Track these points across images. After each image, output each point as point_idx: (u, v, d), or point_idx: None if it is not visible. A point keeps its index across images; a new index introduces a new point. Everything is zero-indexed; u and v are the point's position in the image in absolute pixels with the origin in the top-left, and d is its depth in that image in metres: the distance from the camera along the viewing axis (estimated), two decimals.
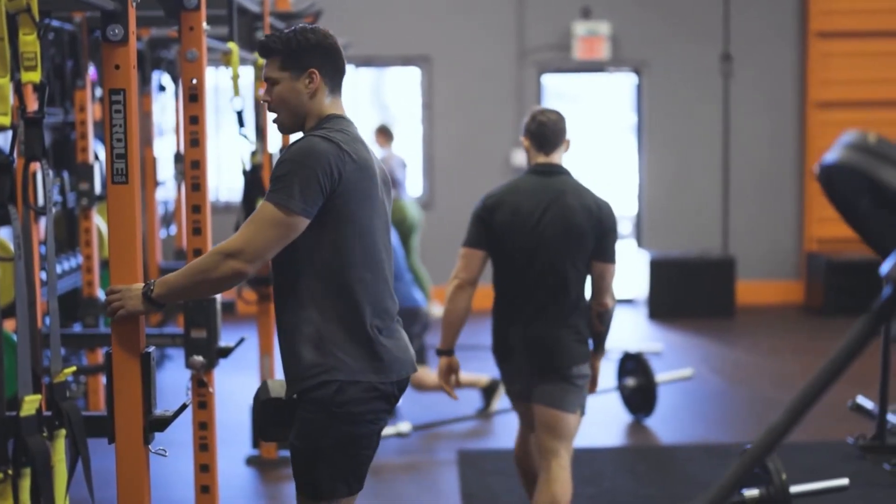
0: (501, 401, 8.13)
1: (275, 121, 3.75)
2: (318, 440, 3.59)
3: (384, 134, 11.24)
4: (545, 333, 4.92)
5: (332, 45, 3.68)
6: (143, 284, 3.60)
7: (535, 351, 4.94)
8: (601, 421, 7.91)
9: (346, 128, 3.66)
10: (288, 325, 3.62)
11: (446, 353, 5.07)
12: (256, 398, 3.73)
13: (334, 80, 3.72)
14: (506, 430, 7.68)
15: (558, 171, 5.02)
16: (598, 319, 5.00)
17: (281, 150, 6.23)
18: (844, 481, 5.63)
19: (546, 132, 5.02)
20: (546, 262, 4.90)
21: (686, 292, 11.72)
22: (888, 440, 6.95)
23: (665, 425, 7.74)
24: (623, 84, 13.32)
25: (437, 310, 11.01)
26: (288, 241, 3.49)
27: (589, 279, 4.99)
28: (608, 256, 4.93)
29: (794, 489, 5.41)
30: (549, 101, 13.01)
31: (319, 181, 3.47)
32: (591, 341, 5.04)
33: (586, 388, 5.01)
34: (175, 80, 8.63)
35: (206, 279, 3.50)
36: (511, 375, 5.09)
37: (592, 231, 4.89)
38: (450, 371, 5.07)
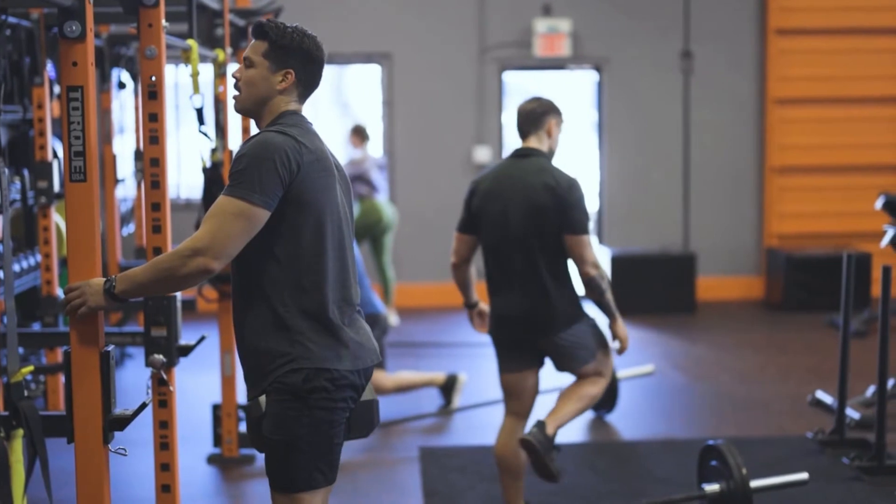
0: (463, 397, 8.14)
1: (234, 97, 3.75)
2: (291, 429, 3.58)
3: (359, 134, 11.20)
4: (528, 307, 5.33)
5: (318, 58, 3.74)
6: (104, 280, 3.58)
7: (524, 325, 5.36)
8: None
9: (301, 123, 3.68)
10: (251, 322, 3.61)
11: (470, 306, 5.71)
12: (250, 415, 3.69)
13: (305, 90, 3.75)
14: (467, 427, 7.69)
15: (531, 154, 5.41)
16: (587, 289, 5.31)
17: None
18: (804, 475, 5.67)
19: (519, 120, 5.46)
20: (516, 240, 5.30)
21: (647, 288, 11.76)
22: (847, 435, 7.01)
23: (626, 421, 7.76)
24: (584, 81, 13.35)
25: (394, 319, 11.01)
26: (251, 235, 3.49)
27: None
28: (574, 228, 5.23)
29: (755, 483, 5.45)
30: (511, 99, 13.02)
31: (278, 173, 3.48)
32: (580, 309, 5.44)
33: (594, 332, 5.44)
34: (134, 77, 8.58)
35: (171, 276, 3.49)
36: (503, 346, 5.49)
37: (554, 207, 5.23)
38: (478, 316, 5.71)
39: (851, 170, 12.58)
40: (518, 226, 5.30)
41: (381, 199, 10.58)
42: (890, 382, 7.62)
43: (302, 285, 3.58)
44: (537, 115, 5.44)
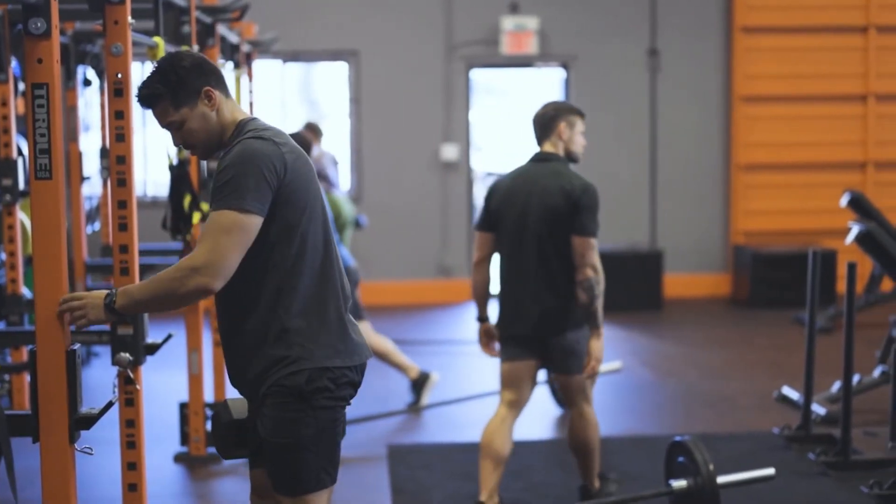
0: (432, 395, 8.14)
1: (194, 153, 3.73)
2: (296, 432, 3.57)
3: (312, 131, 11.17)
4: (542, 306, 5.51)
5: (201, 58, 3.66)
6: (104, 293, 3.55)
7: (534, 320, 5.53)
8: (531, 414, 7.93)
9: (266, 125, 3.66)
10: (248, 329, 3.57)
11: (481, 321, 5.83)
12: (217, 419, 3.66)
13: (223, 86, 3.69)
14: (436, 425, 7.69)
15: (548, 158, 5.64)
16: (580, 290, 5.44)
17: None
18: (770, 471, 5.69)
19: (534, 126, 5.73)
20: (531, 239, 5.51)
21: (614, 285, 11.69)
22: (813, 430, 7.05)
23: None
24: (551, 78, 13.38)
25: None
26: (248, 246, 3.47)
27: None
28: (582, 230, 5.41)
29: (721, 479, 5.47)
30: (478, 97, 13.04)
31: (266, 178, 3.47)
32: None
33: (586, 348, 5.52)
34: (100, 74, 8.52)
35: (170, 295, 3.47)
36: (514, 343, 5.67)
37: (568, 210, 5.44)
38: (487, 335, 5.83)
39: (817, 167, 12.66)
40: (534, 228, 5.51)
41: (339, 194, 10.55)
42: (855, 378, 7.67)
43: (298, 286, 3.57)
44: (548, 120, 5.67)
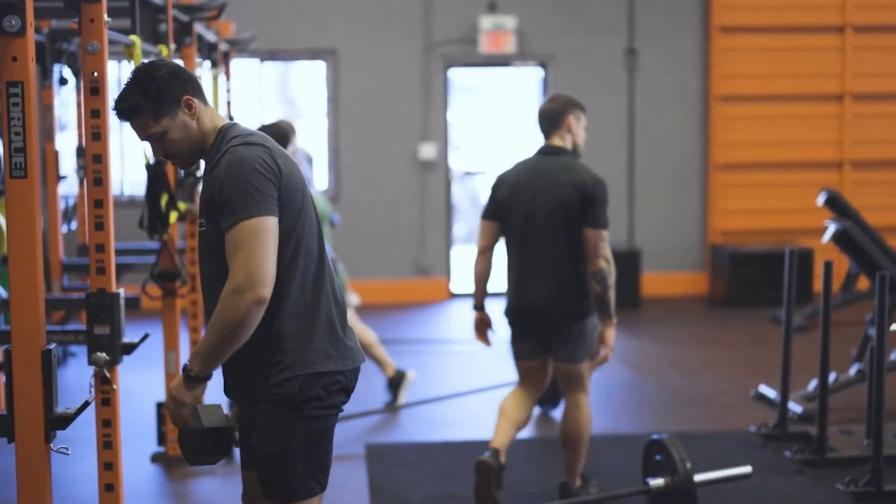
0: (409, 394, 8.13)
1: (175, 163, 3.70)
2: (287, 441, 3.56)
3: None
4: (548, 296, 5.65)
5: (177, 66, 3.62)
6: (181, 375, 3.51)
7: (541, 310, 5.67)
8: None
9: (251, 130, 3.63)
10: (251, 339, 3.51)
11: (478, 309, 5.98)
12: (201, 423, 3.60)
13: (201, 94, 3.65)
14: (414, 424, 7.69)
15: (556, 152, 5.74)
16: (592, 280, 5.59)
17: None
18: (747, 469, 5.72)
19: (542, 119, 5.79)
20: (541, 231, 5.64)
21: None
22: (789, 428, 7.08)
23: None
24: (529, 78, 13.39)
25: (353, 299, 10.97)
26: (276, 245, 3.43)
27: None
28: (593, 222, 5.56)
29: (699, 477, 5.48)
30: (456, 96, 13.03)
31: (268, 178, 3.45)
32: (592, 305, 5.69)
33: (592, 338, 5.70)
34: (76, 73, 8.50)
35: (232, 327, 3.40)
36: (520, 335, 5.83)
37: (580, 203, 5.57)
38: (482, 324, 5.99)
39: (794, 166, 12.70)
40: (545, 220, 5.63)
41: (314, 191, 10.52)
42: (832, 376, 7.70)
43: (291, 290, 3.54)
44: (556, 114, 5.74)
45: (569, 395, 5.84)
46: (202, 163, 3.72)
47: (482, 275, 5.91)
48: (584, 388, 5.83)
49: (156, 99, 3.52)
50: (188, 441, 3.62)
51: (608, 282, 5.57)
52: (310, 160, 11.20)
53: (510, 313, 5.84)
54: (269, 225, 3.42)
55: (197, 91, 3.61)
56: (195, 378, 3.48)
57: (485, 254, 5.87)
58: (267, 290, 3.39)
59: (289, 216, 3.51)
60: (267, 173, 3.44)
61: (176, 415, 3.56)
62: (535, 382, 5.92)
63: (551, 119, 5.77)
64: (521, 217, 5.69)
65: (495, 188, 5.84)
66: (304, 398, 3.54)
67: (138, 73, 3.56)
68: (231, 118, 9.26)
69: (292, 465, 3.58)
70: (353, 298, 8.37)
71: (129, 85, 3.55)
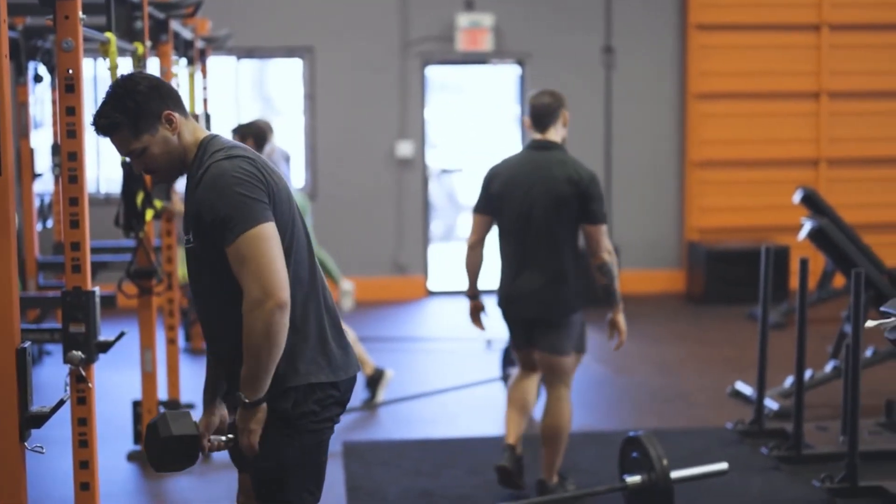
0: (387, 391, 8.13)
1: (156, 178, 3.64)
2: (282, 455, 3.53)
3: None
4: (541, 287, 5.75)
5: (157, 80, 3.55)
6: (239, 406, 3.48)
7: (533, 303, 5.77)
8: (485, 411, 7.95)
9: (233, 142, 3.57)
10: (237, 347, 3.46)
11: (472, 297, 6.09)
12: (155, 432, 3.56)
13: (181, 107, 3.56)
14: (392, 422, 7.69)
15: (550, 147, 5.84)
16: (598, 273, 5.75)
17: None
18: (724, 466, 5.73)
19: (537, 113, 5.85)
20: (536, 225, 5.72)
21: None
22: (766, 425, 7.10)
23: None
24: (506, 75, 13.39)
25: (347, 284, 10.95)
26: (281, 249, 3.38)
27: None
28: (595, 219, 5.69)
29: (675, 474, 5.50)
30: (433, 93, 13.03)
31: (257, 186, 3.39)
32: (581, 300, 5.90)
33: (581, 330, 5.90)
34: (51, 70, 8.46)
35: (265, 340, 3.34)
36: (513, 324, 5.95)
37: (576, 198, 5.68)
38: (476, 310, 6.10)
39: (770, 164, 12.74)
40: (541, 214, 5.72)
41: (292, 189, 10.56)
42: (808, 373, 7.73)
43: (293, 299, 3.47)
44: (553, 109, 5.84)
45: (551, 389, 5.90)
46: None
47: (474, 267, 6.01)
48: (567, 383, 5.90)
49: (135, 115, 3.45)
50: (156, 448, 3.56)
51: (613, 272, 5.74)
52: (287, 159, 11.17)
53: (503, 304, 5.93)
54: (270, 231, 3.37)
55: (177, 105, 3.54)
56: (252, 404, 3.43)
57: (476, 248, 5.97)
58: (285, 294, 3.34)
59: (279, 228, 3.44)
60: (253, 180, 3.39)
61: (245, 445, 3.50)
62: (535, 367, 6.05)
63: (549, 114, 5.85)
64: (516, 211, 5.77)
65: (488, 182, 5.90)
66: (299, 413, 3.51)
67: (116, 88, 3.48)
68: (208, 116, 9.25)
69: (286, 479, 3.56)
70: (346, 284, 8.33)
71: (107, 100, 3.48)
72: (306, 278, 3.55)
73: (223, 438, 3.65)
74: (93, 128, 3.52)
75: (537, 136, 5.89)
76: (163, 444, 3.55)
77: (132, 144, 3.49)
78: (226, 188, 3.37)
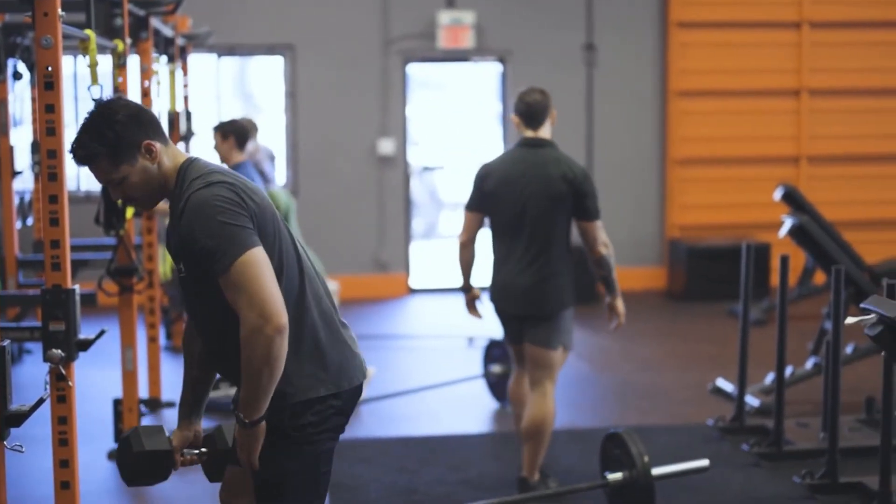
0: (369, 389, 8.12)
1: (135, 206, 3.61)
2: (280, 468, 3.51)
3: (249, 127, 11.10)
4: (534, 283, 5.79)
5: (136, 107, 3.49)
6: (233, 425, 3.46)
7: (525, 297, 5.82)
8: (467, 408, 7.96)
9: (211, 166, 3.50)
10: (235, 363, 3.42)
11: (466, 290, 6.16)
12: (127, 447, 3.53)
13: (161, 135, 3.50)
14: (374, 420, 7.68)
15: (543, 144, 5.94)
16: (596, 266, 5.88)
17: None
18: (705, 462, 5.74)
19: (532, 111, 5.93)
20: (531, 222, 5.78)
21: None
22: (746, 422, 7.12)
23: None
24: (488, 73, 13.39)
25: (332, 285, 10.95)
26: (272, 271, 3.35)
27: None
28: (590, 216, 5.85)
29: (656, 471, 5.50)
30: (415, 91, 13.02)
31: (238, 211, 3.34)
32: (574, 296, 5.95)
33: (570, 327, 5.93)
34: (31, 67, 8.43)
35: (264, 365, 3.31)
36: (506, 320, 6.00)
37: (571, 196, 5.79)
38: (472, 299, 6.18)
39: (751, 161, 12.77)
40: (535, 212, 5.78)
41: (276, 188, 10.53)
42: (788, 370, 7.75)
43: (291, 316, 3.45)
44: (545, 106, 5.95)
45: (536, 384, 5.92)
46: None
47: (467, 264, 6.07)
48: (552, 378, 5.94)
49: (114, 146, 3.38)
50: (128, 463, 3.53)
51: (611, 264, 5.86)
52: (272, 158, 11.17)
53: (497, 300, 5.98)
54: (259, 255, 3.33)
55: (157, 133, 3.47)
56: (251, 424, 3.40)
57: (468, 246, 6.03)
58: (283, 318, 3.31)
59: (266, 249, 3.41)
60: (235, 206, 3.34)
61: (245, 462, 3.48)
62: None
63: (540, 111, 5.93)
64: (510, 209, 5.82)
65: (481, 180, 5.95)
66: (296, 425, 3.49)
67: (94, 117, 3.41)
68: (189, 114, 9.23)
69: (285, 491, 3.54)
70: (330, 285, 8.33)
71: (86, 130, 3.41)
72: (296, 294, 3.51)
73: (196, 452, 3.62)
74: (71, 157, 3.46)
75: (529, 133, 5.95)
76: (135, 460, 3.51)
77: (111, 174, 3.42)
78: (209, 219, 3.31)
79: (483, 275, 6.12)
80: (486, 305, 6.27)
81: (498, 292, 5.95)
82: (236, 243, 3.30)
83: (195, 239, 3.32)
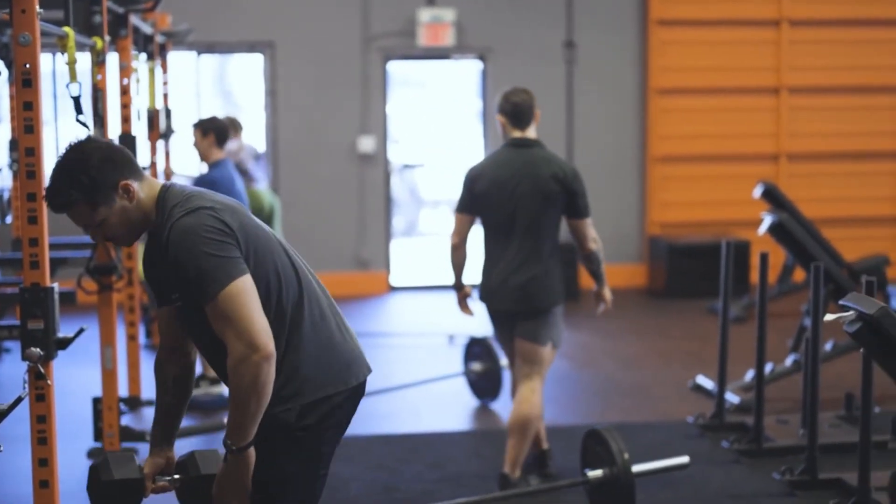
0: None
1: (117, 244, 3.57)
2: (280, 468, 3.50)
3: (232, 126, 11.06)
4: (526, 280, 5.84)
5: (108, 148, 3.43)
6: (223, 454, 3.42)
7: (518, 295, 5.86)
8: (448, 406, 7.96)
9: (189, 191, 3.46)
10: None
11: (458, 288, 6.19)
12: (96, 475, 3.48)
13: (136, 171, 3.44)
14: (355, 417, 7.65)
15: (531, 144, 6.00)
16: (586, 262, 5.98)
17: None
18: (685, 459, 5.75)
19: (519, 111, 6.00)
20: (523, 222, 5.84)
21: None
22: (726, 419, 7.14)
23: (510, 409, 7.80)
24: (468, 70, 13.39)
25: None
26: (258, 299, 3.33)
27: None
28: (581, 213, 5.90)
29: (637, 468, 5.51)
30: (395, 88, 13.01)
31: (223, 241, 3.32)
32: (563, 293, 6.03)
33: (560, 325, 6.00)
34: (8, 65, 8.38)
35: (252, 393, 3.29)
36: (498, 319, 6.05)
37: (562, 195, 5.85)
38: (464, 297, 6.20)
39: (731, 159, 12.80)
40: (527, 212, 5.83)
41: (260, 187, 10.51)
42: (768, 367, 7.77)
43: (292, 325, 3.47)
44: (531, 106, 6.01)
45: (525, 380, 5.96)
46: None
47: (459, 264, 6.11)
48: (541, 375, 5.99)
49: (91, 191, 3.33)
50: (97, 492, 3.49)
51: (600, 259, 5.96)
52: (257, 156, 11.14)
53: (488, 299, 6.01)
54: (244, 285, 3.31)
55: (132, 171, 3.41)
56: (240, 450, 3.38)
57: (460, 247, 6.06)
58: (269, 346, 3.30)
59: (260, 267, 3.41)
60: (219, 235, 3.31)
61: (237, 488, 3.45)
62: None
63: (527, 111, 6.00)
64: (502, 209, 5.87)
65: (471, 182, 5.97)
66: (301, 426, 3.49)
67: (68, 163, 3.35)
68: (168, 111, 9.20)
69: (283, 491, 3.53)
70: None
71: (60, 176, 3.35)
72: (296, 298, 3.51)
73: (168, 479, 3.57)
74: (46, 204, 3.42)
75: (517, 133, 5.99)
76: (104, 489, 3.46)
77: (90, 219, 3.39)
78: (192, 248, 3.29)
79: (474, 274, 6.11)
80: (476, 303, 6.29)
81: (490, 292, 5.98)
82: (221, 274, 3.28)
83: (181, 267, 3.31)
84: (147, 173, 3.52)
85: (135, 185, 3.40)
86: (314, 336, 3.55)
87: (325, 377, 3.55)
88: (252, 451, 3.40)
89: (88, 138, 3.45)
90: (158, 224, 3.41)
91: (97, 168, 3.34)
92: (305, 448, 3.53)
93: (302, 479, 3.56)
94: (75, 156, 3.36)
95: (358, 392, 3.70)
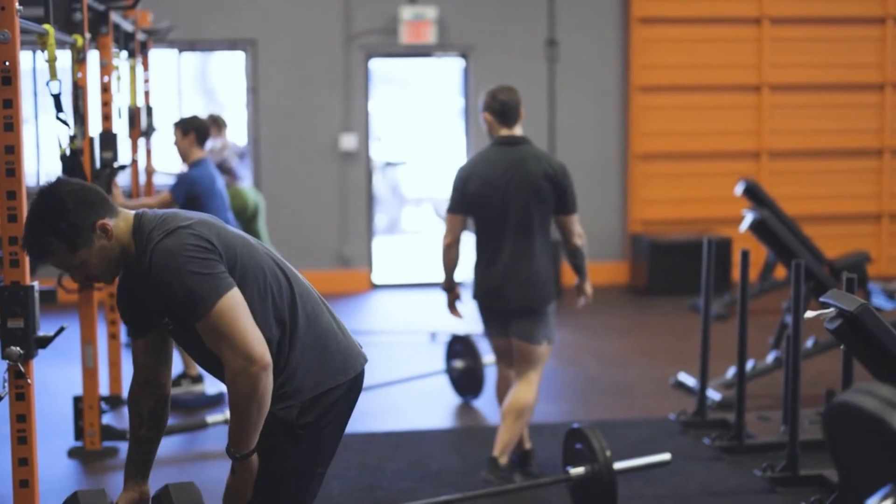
0: None
1: (99, 281, 3.58)
2: (279, 464, 3.52)
3: (216, 124, 11.04)
4: (518, 278, 5.90)
5: (81, 190, 3.42)
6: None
7: (511, 293, 5.91)
8: (429, 403, 7.96)
9: (163, 214, 3.46)
10: None
11: (449, 289, 6.21)
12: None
13: (110, 208, 3.43)
14: None
15: (519, 142, 6.04)
16: (571, 257, 6.07)
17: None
18: (666, 456, 5.76)
19: (507, 109, 6.04)
20: (515, 220, 5.88)
21: None
22: (708, 416, 7.16)
23: (493, 406, 7.80)
24: (450, 68, 13.39)
25: None
26: (248, 311, 3.34)
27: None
28: (569, 209, 5.96)
29: (618, 465, 5.52)
30: (377, 86, 13.00)
31: (206, 258, 3.32)
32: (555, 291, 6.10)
33: (552, 321, 6.05)
34: None
35: (252, 403, 3.32)
36: (492, 316, 6.07)
37: (553, 191, 5.89)
38: (454, 299, 6.22)
39: (712, 156, 12.83)
40: (519, 209, 5.88)
41: (244, 185, 10.49)
42: (749, 364, 7.79)
43: (282, 325, 3.48)
44: (517, 104, 6.05)
45: (522, 375, 6.02)
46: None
47: (451, 264, 6.13)
48: (538, 370, 6.04)
49: (69, 235, 3.34)
50: None
51: (584, 253, 6.06)
52: (241, 155, 11.11)
53: (482, 297, 6.06)
54: (233, 300, 3.32)
55: (106, 208, 3.41)
56: (242, 457, 3.43)
57: (453, 247, 6.09)
58: (266, 356, 3.32)
59: (252, 281, 3.42)
60: (201, 253, 3.32)
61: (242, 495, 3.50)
62: (510, 358, 6.16)
63: (514, 109, 6.04)
64: (495, 208, 5.91)
65: (463, 182, 6.00)
66: (303, 423, 3.52)
67: (44, 211, 3.36)
68: (150, 109, 9.18)
69: (281, 487, 3.55)
70: None
71: (38, 224, 3.36)
72: (289, 300, 3.53)
73: None
74: (25, 251, 3.42)
75: (504, 131, 6.05)
76: None
77: (70, 262, 3.40)
78: (178, 269, 3.29)
79: (465, 273, 6.13)
80: (466, 305, 6.30)
81: (485, 290, 6.03)
82: (208, 292, 3.29)
83: (167, 289, 3.31)
84: (117, 205, 3.50)
85: (111, 222, 3.40)
86: (310, 333, 3.57)
87: (324, 372, 3.57)
88: (255, 457, 3.44)
89: (59, 181, 3.44)
90: (139, 252, 3.40)
91: (74, 212, 3.34)
92: (305, 446, 3.55)
93: (298, 475, 3.58)
94: (50, 202, 3.36)
95: (356, 383, 3.71)
